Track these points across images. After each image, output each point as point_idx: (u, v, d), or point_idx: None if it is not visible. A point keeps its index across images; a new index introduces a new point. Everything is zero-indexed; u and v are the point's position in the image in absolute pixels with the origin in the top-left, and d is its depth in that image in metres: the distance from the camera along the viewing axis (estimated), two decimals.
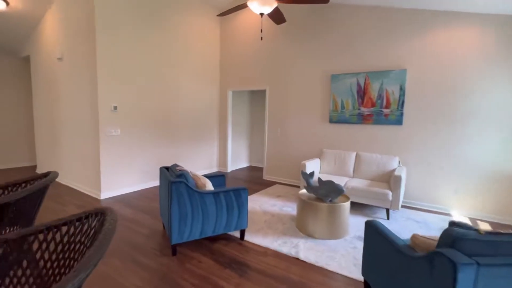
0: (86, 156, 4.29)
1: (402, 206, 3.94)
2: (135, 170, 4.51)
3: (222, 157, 6.25)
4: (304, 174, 3.21)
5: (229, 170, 6.26)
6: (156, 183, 4.89)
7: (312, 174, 3.18)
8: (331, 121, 4.65)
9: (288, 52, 5.06)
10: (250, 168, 6.70)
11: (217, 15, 3.57)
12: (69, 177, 4.78)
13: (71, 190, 4.51)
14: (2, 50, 5.83)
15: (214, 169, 6.23)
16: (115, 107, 4.12)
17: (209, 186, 2.68)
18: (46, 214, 3.42)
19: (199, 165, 5.82)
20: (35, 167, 6.24)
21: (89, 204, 3.82)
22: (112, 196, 4.16)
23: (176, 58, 5.07)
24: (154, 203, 3.92)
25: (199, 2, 5.46)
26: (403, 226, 3.26)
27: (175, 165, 2.88)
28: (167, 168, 3.00)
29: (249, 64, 5.62)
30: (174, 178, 2.43)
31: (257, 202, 4.01)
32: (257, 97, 6.91)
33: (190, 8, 5.27)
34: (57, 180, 5.11)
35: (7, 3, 4.45)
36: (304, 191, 3.38)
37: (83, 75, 4.17)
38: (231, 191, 2.67)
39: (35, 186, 1.40)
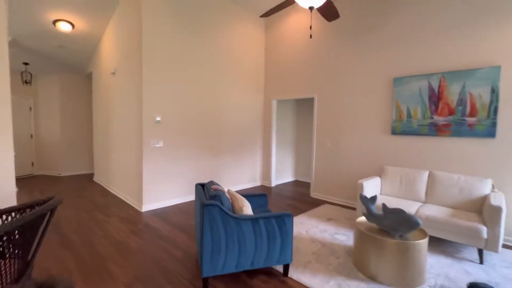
0: (131, 167, 4.33)
1: (503, 247, 2.99)
2: (176, 183, 4.40)
3: (266, 170, 5.87)
4: (363, 198, 2.61)
5: (273, 184, 5.83)
6: (189, 198, 4.72)
7: (374, 199, 2.57)
8: (394, 132, 3.91)
9: (340, 55, 4.51)
10: (296, 183, 6.17)
11: (261, 16, 3.27)
12: (118, 187, 4.91)
13: (118, 200, 4.59)
14: (70, 68, 6.48)
15: (257, 183, 5.87)
16: (159, 120, 4.07)
17: (248, 209, 2.29)
18: (91, 224, 3.44)
19: (242, 178, 5.52)
20: (93, 174, 6.70)
21: (131, 217, 3.77)
22: (152, 209, 4.08)
23: (220, 68, 4.93)
24: (192, 219, 3.69)
25: (242, 8, 5.30)
26: (507, 277, 2.39)
27: (211, 183, 2.58)
28: (202, 186, 2.72)
29: (295, 70, 5.20)
30: (207, 200, 2.10)
31: (303, 226, 3.48)
32: (303, 106, 6.41)
33: (233, 16, 5.13)
34: (108, 189, 5.33)
35: (73, 26, 4.86)
36: (363, 218, 2.76)
37: (130, 88, 4.25)
38: (273, 217, 2.24)
39: (29, 216, 1.18)
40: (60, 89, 6.53)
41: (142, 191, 3.99)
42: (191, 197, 4.63)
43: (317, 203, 4.59)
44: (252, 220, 2.17)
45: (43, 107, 6.66)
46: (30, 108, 6.57)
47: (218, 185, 2.55)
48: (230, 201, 2.37)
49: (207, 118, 4.78)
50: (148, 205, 4.05)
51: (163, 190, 4.22)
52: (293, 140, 6.48)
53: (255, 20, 5.56)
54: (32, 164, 6.65)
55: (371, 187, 3.50)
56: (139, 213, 3.93)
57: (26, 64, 5.77)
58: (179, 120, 4.36)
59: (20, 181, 6.00)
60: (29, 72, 5.92)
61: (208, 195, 2.25)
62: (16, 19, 4.45)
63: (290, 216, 2.28)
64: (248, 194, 2.91)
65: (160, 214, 3.89)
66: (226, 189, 2.39)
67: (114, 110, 4.95)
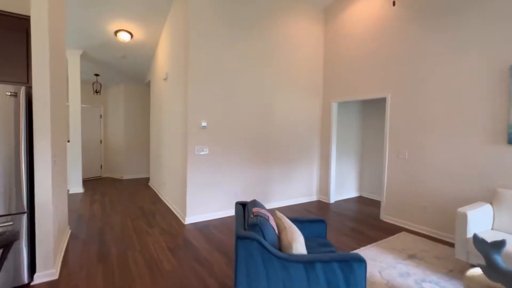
0: (177, 174, 4.12)
1: None
2: (221, 194, 4.00)
3: (324, 183, 5.08)
4: (480, 242, 1.70)
5: (331, 200, 5.00)
6: None
7: (500, 244, 1.64)
8: None
9: (422, 41, 3.52)
10: (360, 200, 5.19)
11: None
12: (167, 195, 4.80)
13: (165, 208, 4.44)
14: (133, 78, 6.87)
15: (313, 198, 5.12)
16: (204, 125, 3.76)
17: (299, 245, 1.65)
18: (132, 234, 3.26)
19: (295, 192, 4.86)
20: (149, 179, 6.91)
21: (173, 229, 3.49)
22: (196, 221, 3.75)
23: (272, 69, 4.43)
24: (233, 237, 3.21)
25: (299, 1, 4.72)
26: None
27: (253, 203, 2.03)
28: (243, 205, 2.19)
29: (361, 66, 4.36)
30: (243, 230, 1.56)
31: (376, 264, 2.64)
32: (370, 108, 5.43)
33: (288, 10, 4.59)
34: (158, 195, 5.30)
35: (132, 35, 5.03)
36: (476, 272, 1.83)
37: (177, 92, 4.07)
38: (336, 261, 1.56)
39: None
40: (124, 97, 6.97)
41: (186, 201, 3.71)
42: (232, 212, 4.17)
43: (391, 230, 3.62)
44: (306, 263, 1.53)
45: (111, 114, 7.22)
46: (101, 116, 7.19)
47: (262, 206, 1.98)
48: (276, 231, 1.78)
49: (257, 124, 4.30)
50: (191, 217, 3.73)
51: (207, 201, 3.87)
52: (357, 149, 5.53)
53: (312, 13, 4.92)
54: (101, 167, 7.23)
55: (478, 219, 2.46)
56: (181, 225, 3.64)
57: (96, 75, 6.29)
58: (226, 126, 3.98)
59: (89, 182, 6.51)
60: (99, 83, 6.45)
61: (247, 223, 1.70)
62: (85, 33, 4.78)
63: (361, 262, 1.56)
64: (302, 219, 2.26)
65: (202, 228, 3.52)
66: (270, 215, 1.81)
67: (165, 116, 4.90)
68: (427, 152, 3.50)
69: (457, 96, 3.21)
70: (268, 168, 4.48)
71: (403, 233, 3.49)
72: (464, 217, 2.38)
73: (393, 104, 3.90)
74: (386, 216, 3.99)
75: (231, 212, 4.10)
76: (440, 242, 3.21)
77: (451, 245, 3.13)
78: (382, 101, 5.16)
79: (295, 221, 2.22)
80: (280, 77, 4.52)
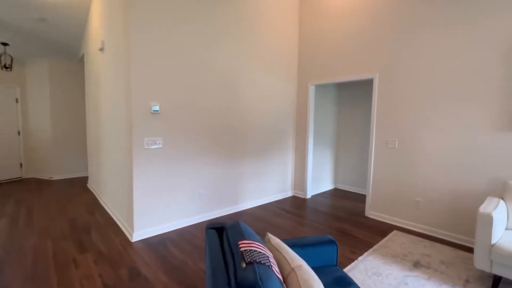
0: (121, 175, 3.13)
1: None
2: (180, 199, 3.15)
3: (299, 177, 4.52)
4: None
5: (308, 195, 4.48)
6: (209, 216, 3.46)
7: None
8: None
9: (415, 10, 3.05)
10: (337, 193, 4.78)
11: None
12: (108, 200, 3.75)
13: (106, 219, 3.42)
14: (60, 51, 5.37)
15: (288, 193, 4.54)
16: (156, 109, 2.83)
17: None
18: (50, 266, 2.26)
19: (269, 189, 4.21)
20: (87, 178, 5.63)
21: (114, 253, 2.56)
22: (147, 237, 2.86)
23: (241, 45, 3.61)
24: (202, 259, 2.43)
25: None
26: None
27: (237, 230, 1.26)
28: (219, 230, 1.41)
29: (343, 43, 3.79)
30: None
31: (383, 281, 2.12)
32: (347, 92, 4.98)
33: None
34: (98, 200, 4.19)
35: None
36: None
37: (118, 65, 3.03)
38: None
39: None
40: (50, 76, 5.46)
41: (133, 211, 2.78)
42: (200, 217, 3.37)
43: (381, 229, 3.20)
44: None
45: (32, 98, 5.64)
46: (17, 100, 5.57)
47: (251, 234, 1.23)
48: (280, 275, 1.06)
49: (225, 111, 3.49)
50: (141, 231, 2.83)
51: (162, 209, 2.99)
52: (332, 139, 5.08)
53: None
54: (21, 165, 5.67)
55: (499, 219, 2.07)
56: (127, 244, 2.72)
57: (4, 44, 4.72)
58: (186, 111, 3.10)
59: (4, 186, 5.01)
60: (8, 55, 4.88)
61: (237, 278, 0.94)
62: None
63: None
64: (303, 243, 1.58)
65: (157, 246, 2.66)
66: (270, 253, 1.06)
67: (103, 98, 3.77)
68: (420, 140, 3.11)
69: (457, 75, 2.82)
70: (238, 164, 3.73)
71: (395, 232, 3.09)
72: (489, 219, 1.96)
73: (381, 86, 3.43)
74: (372, 212, 3.59)
75: (193, 220, 3.28)
76: (437, 241, 2.86)
77: (449, 244, 2.80)
78: (360, 85, 4.74)
79: (294, 246, 1.54)
80: (249, 56, 3.74)
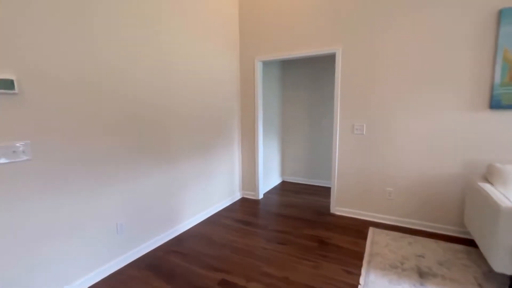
0: None
1: None
2: (78, 246, 1.89)
3: (248, 175, 3.73)
4: None
5: (260, 195, 3.76)
6: (134, 255, 2.30)
7: None
8: (499, 106, 2.31)
9: None
10: (288, 187, 4.25)
11: None
12: None
13: None
14: None
15: (236, 196, 3.70)
16: (12, 85, 1.45)
17: None
18: None
19: (215, 195, 3.26)
20: None
21: None
22: None
23: (160, 5, 2.43)
24: None
25: None
26: None
27: None
28: None
29: (297, 9, 3.10)
30: None
31: None
32: (292, 70, 4.41)
33: None
34: None
35: None
36: None
37: None
38: None
39: None
40: None
41: None
42: (119, 261, 2.18)
43: (355, 227, 2.78)
44: None
45: None
46: None
47: None
48: None
49: (144, 92, 2.30)
50: None
51: (49, 267, 1.68)
52: (280, 125, 4.46)
53: None
54: None
55: None
56: None
57: None
58: (77, 91, 1.79)
59: None
60: None
61: None
62: None
63: None
64: None
65: None
66: None
67: None
68: (390, 123, 2.77)
69: (428, 51, 2.52)
70: (173, 169, 2.62)
71: (372, 230, 2.72)
72: (509, 212, 1.66)
73: (346, 62, 2.93)
74: (338, 208, 3.15)
75: (107, 268, 2.06)
76: (417, 234, 2.61)
77: (429, 235, 2.59)
78: (310, 63, 4.22)
79: None
80: (177, 19, 2.59)
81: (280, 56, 3.28)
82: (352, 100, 2.93)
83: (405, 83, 2.65)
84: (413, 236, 2.57)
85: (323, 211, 3.24)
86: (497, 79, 2.28)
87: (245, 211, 3.29)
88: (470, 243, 2.42)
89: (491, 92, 2.32)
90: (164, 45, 2.42)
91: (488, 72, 2.33)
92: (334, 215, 3.11)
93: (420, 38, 2.54)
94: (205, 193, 3.07)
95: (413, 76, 2.61)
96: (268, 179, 4.18)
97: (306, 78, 4.27)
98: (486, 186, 2.04)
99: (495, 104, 2.31)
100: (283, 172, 4.69)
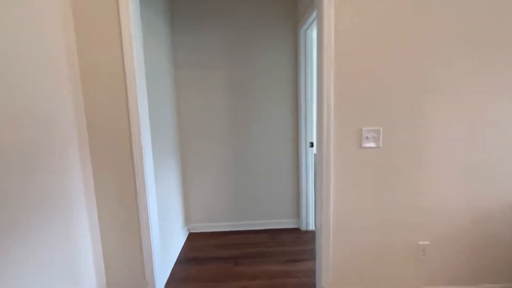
0: None
1: None
2: None
3: (122, 268, 1.51)
4: None
5: (158, 284, 1.63)
6: None
7: None
8: None
9: None
10: (203, 247, 2.30)
11: None
12: None
13: None
14: None
15: None
16: None
17: None
18: None
19: None
20: None
21: None
22: None
23: None
24: None
25: None
26: None
27: None
28: None
29: None
30: None
31: None
32: (196, 22, 2.43)
33: None
34: None
35: None
36: None
37: None
38: None
39: None
40: None
41: None
42: None
43: None
44: None
45: None
46: None
47: None
48: None
49: None
50: None
51: None
52: (175, 134, 2.37)
53: None
54: None
55: None
56: None
57: None
58: None
59: None
60: None
61: None
62: None
63: None
64: None
65: None
66: None
67: None
68: (427, 129, 1.49)
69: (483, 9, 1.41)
70: None
71: None
72: None
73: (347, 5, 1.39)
74: (335, 286, 1.61)
75: None
76: None
77: None
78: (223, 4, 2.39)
79: None
80: None
81: None
82: (358, 88, 1.44)
83: (442, 58, 1.43)
84: None
85: None
86: None
87: None
88: None
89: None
90: None
91: None
92: None
93: None
94: None
95: (458, 44, 1.42)
96: (169, 247, 2.05)
97: (224, 40, 2.42)
98: None
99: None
100: (187, 218, 2.65)
